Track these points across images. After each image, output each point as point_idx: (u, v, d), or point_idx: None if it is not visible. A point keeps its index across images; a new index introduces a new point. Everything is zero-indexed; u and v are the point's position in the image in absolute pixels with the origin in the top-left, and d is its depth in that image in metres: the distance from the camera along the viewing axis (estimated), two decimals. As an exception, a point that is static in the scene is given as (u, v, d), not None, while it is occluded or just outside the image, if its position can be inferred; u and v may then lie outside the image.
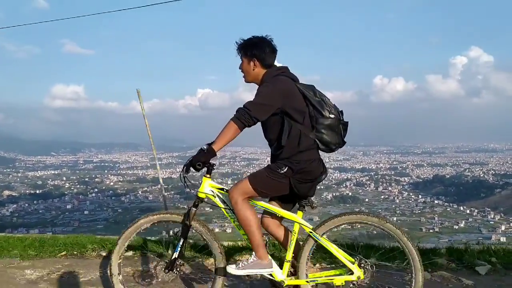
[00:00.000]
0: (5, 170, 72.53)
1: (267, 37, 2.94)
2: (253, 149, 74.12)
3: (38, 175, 66.32)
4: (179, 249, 3.07)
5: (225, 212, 3.05)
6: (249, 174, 2.97)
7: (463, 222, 42.35)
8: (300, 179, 2.84)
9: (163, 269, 3.05)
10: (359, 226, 3.08)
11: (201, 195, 3.05)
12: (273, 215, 3.10)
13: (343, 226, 3.05)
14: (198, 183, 3.10)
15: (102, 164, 74.39)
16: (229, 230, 29.05)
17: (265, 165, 2.98)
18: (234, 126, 2.74)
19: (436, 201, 50.04)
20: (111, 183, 58.57)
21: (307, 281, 2.96)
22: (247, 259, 2.95)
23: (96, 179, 62.02)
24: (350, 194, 54.51)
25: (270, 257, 2.97)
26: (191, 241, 4.87)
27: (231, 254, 4.71)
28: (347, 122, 2.95)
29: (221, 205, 3.04)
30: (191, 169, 2.83)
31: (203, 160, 2.77)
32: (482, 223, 42.30)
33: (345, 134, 2.96)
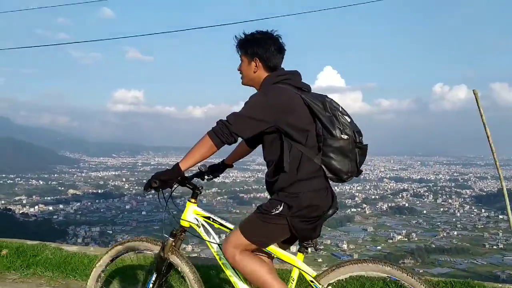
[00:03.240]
0: (70, 170, 77.08)
1: (273, 33, 2.42)
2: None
3: (100, 175, 69.82)
4: (150, 285, 2.56)
5: (210, 246, 2.52)
6: (239, 224, 2.39)
7: (531, 239, 39.64)
8: (301, 217, 2.23)
9: None
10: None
11: (183, 223, 2.54)
12: (265, 253, 2.46)
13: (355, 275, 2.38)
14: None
15: (159, 166, 76.92)
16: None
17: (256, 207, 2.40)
18: (209, 143, 2.20)
19: (500, 216, 47.01)
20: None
21: None
22: None
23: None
24: (406, 205, 52.60)
25: None
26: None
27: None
28: (366, 146, 2.34)
29: (206, 237, 2.51)
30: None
31: (163, 178, 2.25)
32: (552, 241, 39.38)
33: (363, 160, 2.35)
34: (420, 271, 32.72)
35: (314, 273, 2.34)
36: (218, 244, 2.51)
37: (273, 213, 2.25)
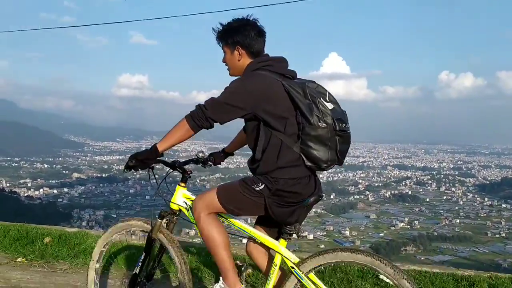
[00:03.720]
0: (74, 154, 77.49)
1: (250, 18, 2.39)
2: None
3: (104, 159, 70.21)
4: (140, 264, 2.64)
5: (197, 228, 2.50)
6: (219, 184, 2.44)
7: (533, 228, 39.68)
8: (278, 200, 2.25)
9: (128, 285, 2.65)
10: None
11: (173, 206, 2.58)
12: (254, 240, 2.52)
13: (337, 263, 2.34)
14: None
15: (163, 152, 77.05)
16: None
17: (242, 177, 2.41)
18: (186, 126, 2.25)
19: (504, 205, 47.12)
20: (171, 170, 60.62)
21: None
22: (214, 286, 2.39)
23: (157, 166, 64.35)
24: (409, 192, 52.72)
25: (243, 285, 2.39)
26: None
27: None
28: (348, 133, 2.29)
29: (194, 220, 2.50)
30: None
31: (140, 157, 2.34)
32: (555, 230, 39.42)
33: (345, 148, 2.31)
34: (422, 258, 32.91)
35: (297, 259, 2.32)
36: None
37: (254, 189, 2.26)
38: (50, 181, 54.73)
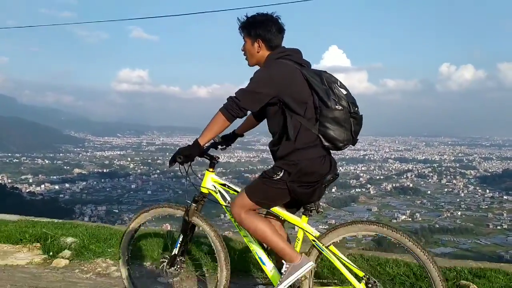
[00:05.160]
0: (75, 149, 77.55)
1: (273, 15, 2.61)
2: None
3: (105, 155, 70.29)
4: (178, 245, 2.91)
5: (226, 210, 2.78)
6: (245, 186, 2.68)
7: (535, 220, 39.71)
8: (299, 182, 2.45)
9: (166, 265, 2.91)
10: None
11: (203, 190, 2.85)
12: (275, 216, 2.77)
13: (356, 235, 2.59)
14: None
15: (164, 146, 77.21)
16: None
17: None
18: (222, 118, 2.46)
19: (505, 197, 47.12)
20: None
21: None
22: (283, 271, 2.58)
23: (158, 161, 64.61)
24: (411, 185, 52.73)
25: (299, 253, 2.58)
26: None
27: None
28: (361, 116, 2.51)
29: (223, 202, 2.81)
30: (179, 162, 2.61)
31: (186, 153, 2.55)
32: (556, 222, 39.45)
33: (358, 129, 2.51)
34: (424, 250, 32.94)
35: (317, 233, 2.57)
36: None
37: (274, 179, 2.47)
38: (51, 177, 54.84)
